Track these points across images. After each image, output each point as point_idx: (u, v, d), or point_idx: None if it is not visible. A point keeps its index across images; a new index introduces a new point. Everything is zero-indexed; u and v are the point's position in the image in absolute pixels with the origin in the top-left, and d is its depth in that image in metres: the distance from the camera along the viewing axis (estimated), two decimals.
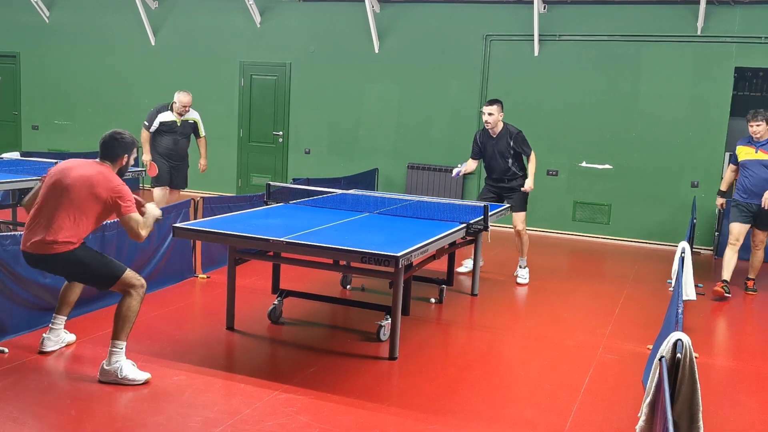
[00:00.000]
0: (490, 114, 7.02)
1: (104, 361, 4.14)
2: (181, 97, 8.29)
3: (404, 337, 5.18)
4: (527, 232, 7.45)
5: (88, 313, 5.27)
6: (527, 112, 10.36)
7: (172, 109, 8.32)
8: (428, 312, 6.10)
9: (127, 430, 3.60)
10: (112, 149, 4.30)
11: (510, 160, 7.13)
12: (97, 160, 4.34)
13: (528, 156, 7.14)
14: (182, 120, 8.41)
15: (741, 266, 8.74)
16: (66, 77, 12.90)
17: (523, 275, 7.33)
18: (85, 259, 4.19)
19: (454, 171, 7.33)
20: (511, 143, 7.08)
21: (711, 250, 9.47)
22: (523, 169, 7.24)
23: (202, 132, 8.68)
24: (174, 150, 8.36)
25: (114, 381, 4.08)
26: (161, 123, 8.26)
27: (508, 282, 7.29)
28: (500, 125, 7.13)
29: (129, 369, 4.13)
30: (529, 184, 7.10)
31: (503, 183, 7.23)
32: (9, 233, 4.81)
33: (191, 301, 6.13)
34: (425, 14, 10.75)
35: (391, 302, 4.84)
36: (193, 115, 8.54)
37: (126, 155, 4.32)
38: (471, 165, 7.38)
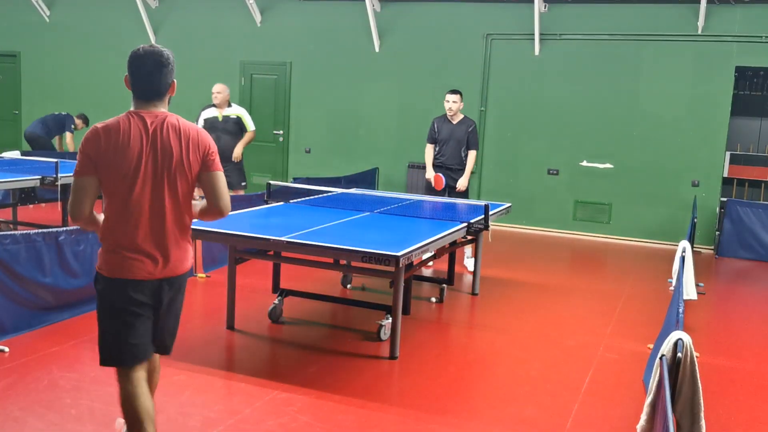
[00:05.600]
0: (454, 102, 7.49)
1: None
2: (213, 87, 8.35)
3: (405, 336, 5.17)
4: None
5: (86, 313, 5.25)
6: (528, 111, 10.36)
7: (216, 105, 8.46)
8: (429, 311, 6.09)
9: None
10: (168, 75, 2.99)
11: (462, 149, 7.53)
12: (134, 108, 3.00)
13: (471, 150, 7.53)
14: (223, 116, 8.42)
15: (742, 265, 8.74)
16: (66, 76, 12.89)
17: (470, 264, 7.49)
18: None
19: (430, 177, 7.62)
20: (468, 132, 7.51)
21: (712, 249, 9.47)
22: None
23: (249, 126, 8.58)
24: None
25: None
26: (204, 120, 8.33)
27: (508, 282, 7.29)
28: (460, 115, 7.59)
29: None
30: (461, 183, 7.48)
31: (451, 173, 7.55)
32: (9, 232, 4.81)
33: (191, 300, 6.12)
34: (426, 13, 10.75)
35: (392, 301, 4.84)
36: (235, 110, 8.56)
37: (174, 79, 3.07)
38: (430, 151, 7.67)
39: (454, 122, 7.53)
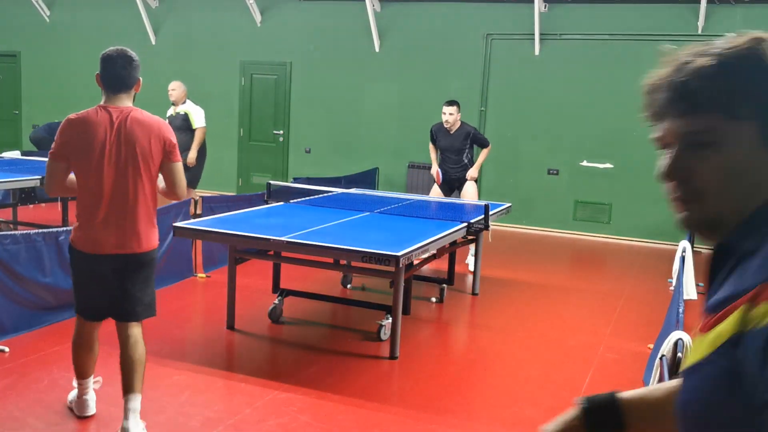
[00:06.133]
0: (450, 114, 7.42)
1: (129, 423, 3.41)
2: (169, 85, 8.29)
3: (405, 336, 5.17)
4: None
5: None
6: (528, 111, 10.36)
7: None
8: (429, 311, 6.09)
9: None
10: (132, 73, 3.48)
11: (463, 155, 7.57)
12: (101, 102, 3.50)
13: (485, 147, 7.60)
14: (176, 112, 8.36)
15: None
16: (66, 76, 12.89)
17: (471, 263, 7.43)
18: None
19: (434, 173, 7.76)
20: (468, 141, 7.53)
21: (712, 249, 9.45)
22: (473, 162, 7.69)
23: (193, 124, 8.42)
24: None
25: None
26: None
27: (508, 282, 7.29)
28: (458, 124, 7.54)
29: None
30: (471, 173, 7.52)
31: (454, 174, 7.62)
32: (9, 232, 4.81)
33: (191, 300, 6.12)
34: (426, 13, 10.75)
35: (392, 301, 4.84)
36: (185, 107, 8.44)
37: (140, 78, 3.54)
38: (432, 149, 7.77)
39: (452, 132, 7.49)
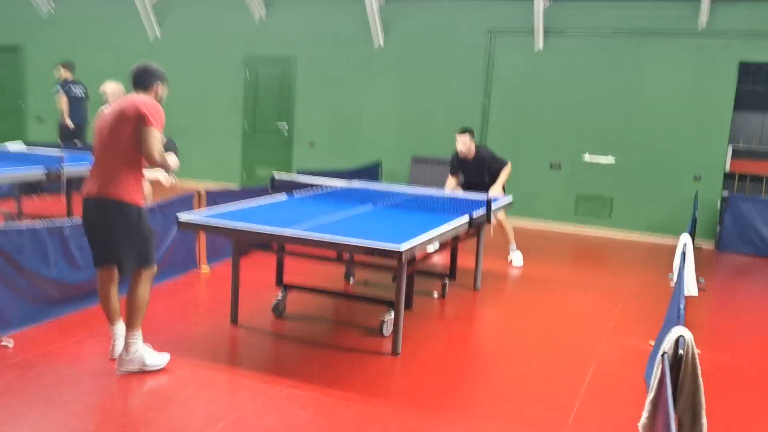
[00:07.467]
0: (463, 143, 7.46)
1: (122, 353, 4.24)
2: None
3: (407, 332, 5.19)
4: (508, 220, 7.87)
5: (91, 307, 5.26)
6: (530, 107, 10.35)
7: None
8: (431, 306, 6.11)
9: (130, 425, 3.62)
10: (145, 77, 4.32)
11: (485, 177, 7.58)
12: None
13: (503, 170, 7.57)
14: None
15: (743, 260, 8.74)
16: None
17: (517, 258, 7.77)
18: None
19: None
20: (485, 167, 7.55)
21: (713, 244, 9.47)
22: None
23: None
24: None
25: (137, 370, 4.22)
26: None
27: (510, 276, 7.30)
28: (473, 150, 7.54)
29: (150, 356, 4.29)
30: (493, 191, 7.45)
31: (480, 188, 7.60)
32: (14, 224, 4.82)
33: (195, 294, 6.15)
34: (428, 9, 10.73)
35: (394, 296, 4.85)
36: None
37: (159, 82, 4.33)
38: (452, 181, 7.78)
39: (470, 158, 7.56)
